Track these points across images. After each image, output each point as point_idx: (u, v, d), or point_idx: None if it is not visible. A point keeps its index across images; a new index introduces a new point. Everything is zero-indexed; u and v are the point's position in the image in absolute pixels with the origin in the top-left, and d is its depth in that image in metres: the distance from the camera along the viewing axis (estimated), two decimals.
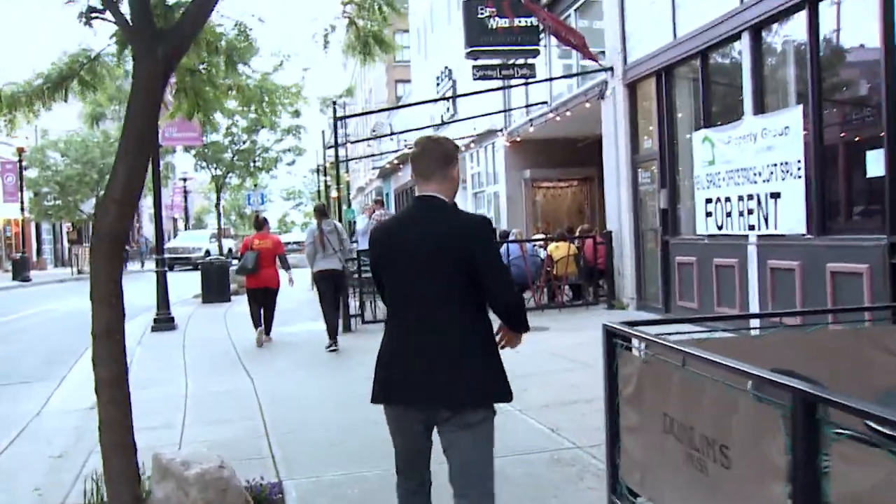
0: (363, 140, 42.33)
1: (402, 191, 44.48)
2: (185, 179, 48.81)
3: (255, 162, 24.06)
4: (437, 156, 3.51)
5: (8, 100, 7.04)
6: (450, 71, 27.40)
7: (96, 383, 4.41)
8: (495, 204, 23.24)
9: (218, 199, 23.65)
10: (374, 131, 46.16)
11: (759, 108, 9.46)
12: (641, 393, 3.76)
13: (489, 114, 19.70)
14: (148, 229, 75.09)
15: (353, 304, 13.17)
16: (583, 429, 6.35)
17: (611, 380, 4.03)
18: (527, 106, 18.76)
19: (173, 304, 19.59)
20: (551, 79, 16.45)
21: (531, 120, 17.53)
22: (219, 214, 24.15)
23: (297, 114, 23.67)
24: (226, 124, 23.12)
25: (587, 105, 14.44)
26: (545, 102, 17.52)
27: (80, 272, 38.91)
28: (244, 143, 23.63)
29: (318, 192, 43.35)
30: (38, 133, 40.37)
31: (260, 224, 12.66)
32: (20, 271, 32.11)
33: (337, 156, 24.57)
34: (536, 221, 20.99)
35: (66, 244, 50.75)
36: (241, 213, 30.04)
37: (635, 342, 3.93)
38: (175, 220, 73.26)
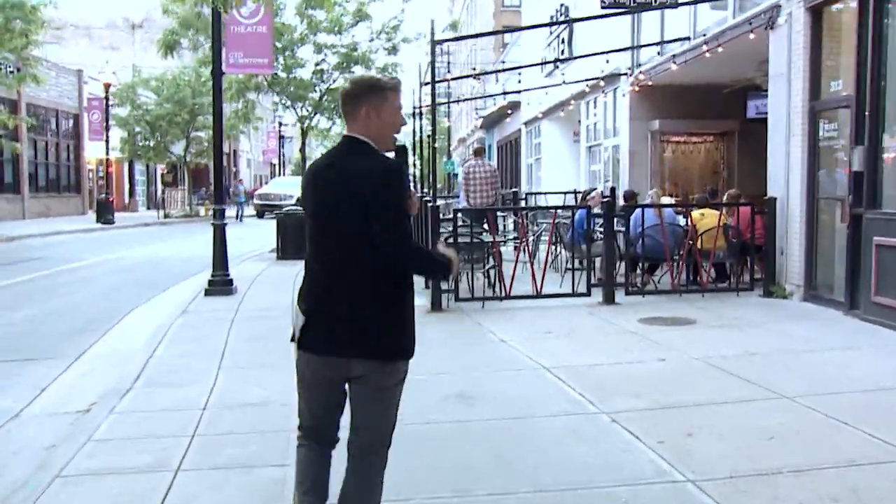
0: (463, 77, 39.43)
1: (506, 142, 41.72)
2: (280, 123, 47.04)
3: None
4: (358, 93, 3.30)
5: None
6: (566, 8, 24.35)
7: None
8: (613, 160, 20.29)
9: (303, 142, 21.31)
10: (477, 77, 43.34)
11: None
12: None
13: (613, 51, 16.70)
14: (245, 174, 74.49)
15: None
16: None
17: None
18: (661, 42, 15.71)
19: (245, 259, 17.62)
20: (699, 1, 13.35)
21: (673, 56, 14.38)
22: (303, 159, 21.85)
23: (394, 50, 21.12)
24: (314, 60, 20.74)
25: (751, 36, 11.39)
26: (686, 38, 14.47)
27: (166, 216, 37.69)
28: (334, 80, 21.15)
29: (416, 139, 40.82)
30: (133, 71, 39.03)
31: None
32: (103, 213, 30.80)
33: (434, 94, 21.81)
34: (663, 182, 18.00)
35: (160, 186, 49.78)
36: None
37: None
38: (273, 165, 72.22)
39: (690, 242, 11.15)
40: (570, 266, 12.02)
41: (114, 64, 38.47)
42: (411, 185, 3.82)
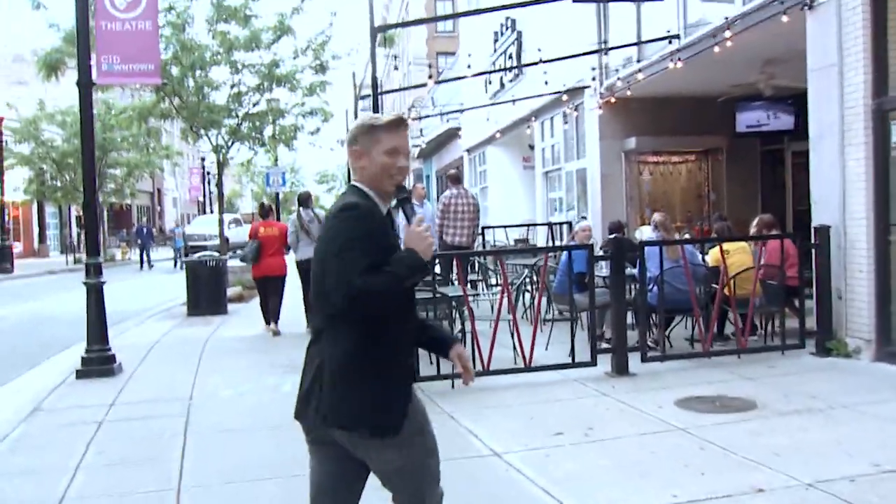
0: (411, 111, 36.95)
1: (444, 172, 39.20)
2: (203, 158, 43.84)
3: (272, 124, 18.58)
4: (354, 135, 3.07)
5: None
6: (513, 22, 21.94)
7: None
8: (578, 185, 17.77)
9: (220, 175, 18.34)
10: (412, 108, 40.82)
11: None
12: None
13: (579, 55, 14.12)
14: (171, 214, 70.60)
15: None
16: None
17: None
18: (638, 43, 13.23)
19: (151, 316, 14.57)
20: None
21: (677, 52, 11.51)
22: (220, 195, 18.95)
23: (321, 69, 18.31)
24: (231, 81, 17.82)
25: (784, 19, 8.90)
26: (676, 37, 12.02)
27: (76, 261, 34.12)
28: (255, 104, 18.22)
29: (349, 170, 37.76)
30: (38, 104, 35.50)
31: (265, 212, 12.57)
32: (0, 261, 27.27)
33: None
34: (642, 208, 15.52)
35: (74, 229, 45.96)
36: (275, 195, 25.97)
37: None
38: (200, 203, 68.52)
39: (714, 287, 8.53)
40: (548, 317, 9.43)
41: (22, 100, 34.89)
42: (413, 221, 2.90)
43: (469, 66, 20.37)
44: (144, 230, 34.16)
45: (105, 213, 46.06)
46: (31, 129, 33.01)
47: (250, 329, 12.22)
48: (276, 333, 11.50)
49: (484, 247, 16.04)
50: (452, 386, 7.51)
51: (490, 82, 24.61)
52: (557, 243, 19.08)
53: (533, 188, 23.57)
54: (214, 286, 14.17)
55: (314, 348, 2.94)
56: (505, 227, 18.90)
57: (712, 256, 8.78)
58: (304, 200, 11.80)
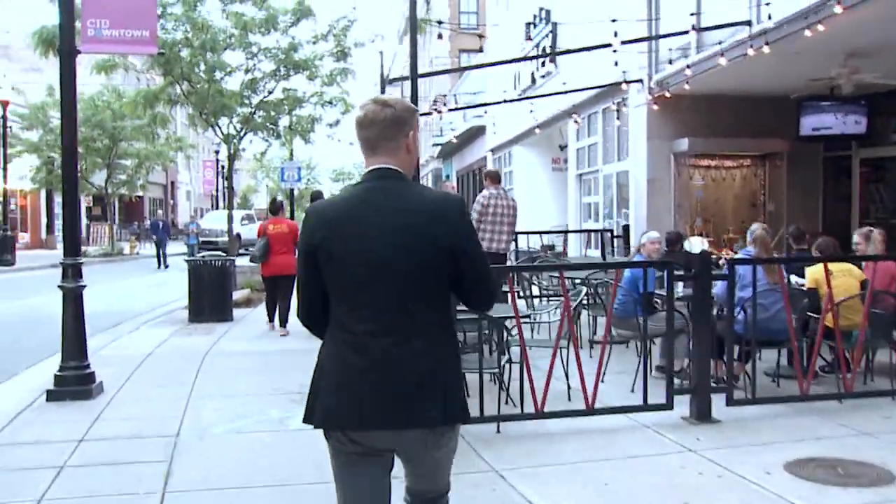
0: (422, 114, 35.47)
1: (467, 172, 37.76)
2: (217, 151, 42.59)
3: (288, 114, 17.25)
4: (385, 121, 2.78)
5: None
6: (547, 13, 20.53)
7: None
8: (617, 190, 16.34)
9: (230, 165, 17.01)
10: (434, 104, 39.47)
11: None
12: None
13: (628, 42, 12.62)
14: (185, 208, 69.35)
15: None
16: None
17: None
18: (699, 29, 11.74)
19: (149, 321, 13.24)
20: None
21: (761, 35, 9.85)
22: (230, 189, 17.62)
23: (343, 55, 16.94)
24: (245, 66, 16.47)
25: None
26: (747, 23, 10.58)
27: (83, 254, 32.83)
28: (270, 92, 16.85)
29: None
30: (47, 90, 34.28)
31: (276, 209, 12.17)
32: (0, 252, 26.00)
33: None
34: (693, 218, 14.08)
35: (84, 220, 44.82)
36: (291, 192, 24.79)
37: None
38: (214, 197, 67.24)
39: (810, 315, 7.09)
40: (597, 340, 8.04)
41: (35, 86, 33.61)
42: None
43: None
44: (160, 224, 29.79)
45: (116, 205, 44.95)
46: (39, 115, 31.72)
47: (256, 342, 10.87)
48: (283, 334, 11.33)
49: (516, 255, 14.59)
50: (498, 430, 6.12)
51: (520, 80, 23.22)
52: (592, 252, 17.74)
53: (562, 191, 22.18)
54: (219, 290, 12.79)
55: (407, 348, 2.67)
56: (539, 233, 17.46)
57: (811, 278, 7.33)
58: (317, 199, 11.55)
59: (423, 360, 2.64)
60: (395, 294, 2.65)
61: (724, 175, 14.45)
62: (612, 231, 14.29)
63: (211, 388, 7.86)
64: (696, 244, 12.16)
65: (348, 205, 2.77)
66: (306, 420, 2.74)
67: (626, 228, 14.63)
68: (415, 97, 8.23)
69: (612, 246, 13.71)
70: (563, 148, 22.73)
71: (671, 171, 14.02)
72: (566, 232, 18.57)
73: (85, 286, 7.69)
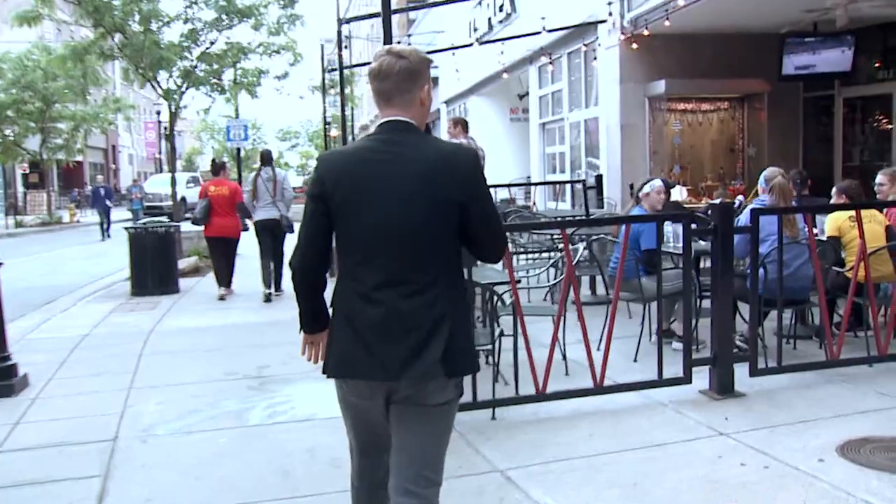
0: (364, 64, 33.94)
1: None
2: (159, 112, 40.81)
3: (233, 66, 16.01)
4: (400, 72, 2.71)
5: None
6: None
7: None
8: (585, 138, 15.46)
9: (171, 124, 15.77)
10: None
11: None
12: None
13: None
14: (127, 172, 66.90)
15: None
16: None
17: None
18: None
19: (88, 295, 12.13)
20: None
21: None
22: (172, 149, 16.38)
23: (290, 1, 15.72)
24: (183, 16, 15.15)
25: None
26: None
27: (19, 224, 31.21)
28: (212, 43, 15.58)
29: (327, 125, 34.92)
30: None
31: (217, 169, 11.52)
32: None
33: (342, 73, 16.73)
34: (671, 166, 13.26)
35: (20, 189, 42.81)
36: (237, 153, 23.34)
37: None
38: (159, 160, 65.01)
39: (838, 270, 6.29)
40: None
41: None
42: None
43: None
44: (102, 191, 26.70)
45: (54, 171, 42.94)
46: None
47: (206, 316, 9.84)
48: (227, 293, 11.10)
49: None
50: (493, 416, 5.25)
51: (476, 28, 22.11)
52: (562, 206, 16.90)
53: (521, 143, 21.25)
54: (163, 259, 11.71)
55: (425, 297, 2.63)
56: (507, 185, 16.53)
57: (833, 225, 6.52)
58: (268, 159, 11.12)
59: (433, 311, 2.61)
60: (407, 245, 2.62)
61: (700, 119, 13.62)
62: (583, 181, 13.42)
63: (155, 377, 6.85)
64: (674, 194, 11.38)
65: (361, 155, 2.73)
66: (323, 371, 2.73)
67: (599, 178, 13.78)
68: (388, 37, 7.30)
69: (585, 197, 12.88)
70: (522, 97, 21.76)
71: (646, 117, 13.15)
72: (533, 184, 17.69)
73: (3, 263, 6.59)
